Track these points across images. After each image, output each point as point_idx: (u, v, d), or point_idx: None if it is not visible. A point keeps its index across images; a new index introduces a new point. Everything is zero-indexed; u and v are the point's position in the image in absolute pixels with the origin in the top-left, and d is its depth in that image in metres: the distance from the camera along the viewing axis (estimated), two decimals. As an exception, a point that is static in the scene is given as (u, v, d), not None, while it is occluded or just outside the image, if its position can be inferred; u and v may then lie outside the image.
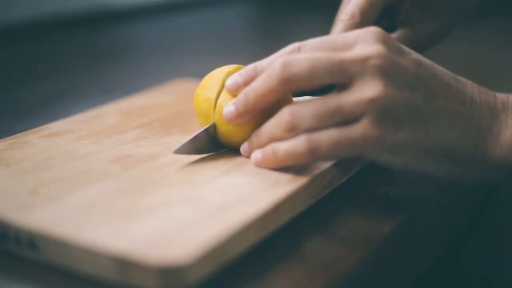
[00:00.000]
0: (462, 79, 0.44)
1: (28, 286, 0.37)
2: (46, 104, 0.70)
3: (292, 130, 0.42)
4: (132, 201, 0.40)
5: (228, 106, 0.45)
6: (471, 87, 0.44)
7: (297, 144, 0.41)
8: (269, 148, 0.43)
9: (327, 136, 0.41)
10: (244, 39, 1.20)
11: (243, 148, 0.46)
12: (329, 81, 0.41)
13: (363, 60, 0.40)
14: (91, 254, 0.35)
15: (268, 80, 0.42)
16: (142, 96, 0.63)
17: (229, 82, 0.45)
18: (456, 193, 0.50)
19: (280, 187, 0.41)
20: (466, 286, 0.61)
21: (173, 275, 0.34)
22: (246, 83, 0.45)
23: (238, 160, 0.46)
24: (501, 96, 0.45)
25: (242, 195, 0.41)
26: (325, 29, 0.56)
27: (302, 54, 0.42)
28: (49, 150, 0.48)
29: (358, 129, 0.40)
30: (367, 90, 0.40)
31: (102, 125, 0.54)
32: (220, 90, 0.47)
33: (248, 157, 0.46)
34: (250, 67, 0.45)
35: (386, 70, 0.40)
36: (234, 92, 0.45)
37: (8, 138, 0.50)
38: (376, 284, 0.42)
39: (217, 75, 0.48)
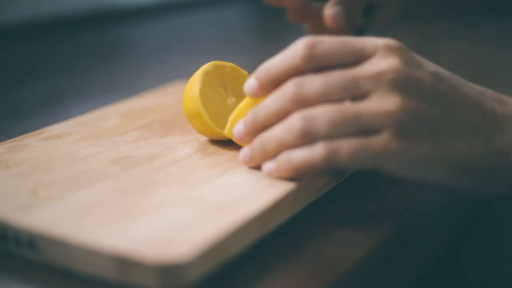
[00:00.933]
0: (481, 88, 0.44)
1: (28, 286, 0.37)
2: (46, 104, 0.70)
3: (306, 137, 0.40)
4: (131, 201, 0.40)
5: (238, 125, 0.44)
6: (490, 96, 0.43)
7: (315, 152, 0.40)
8: (284, 156, 0.41)
9: (347, 145, 0.39)
10: (244, 39, 1.20)
11: (244, 154, 0.44)
12: (344, 98, 0.40)
13: (378, 76, 0.40)
14: (91, 254, 0.35)
15: (279, 101, 0.41)
16: (142, 98, 0.63)
17: (246, 87, 0.43)
18: (456, 193, 0.50)
19: (279, 186, 0.41)
20: (466, 286, 0.61)
21: (173, 273, 0.34)
22: (262, 86, 0.43)
23: (238, 159, 0.46)
24: None
25: (241, 194, 0.41)
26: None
27: (315, 76, 0.40)
28: (49, 152, 0.48)
29: (379, 141, 0.39)
30: (386, 103, 0.39)
31: (102, 126, 0.54)
32: (201, 86, 0.48)
33: (248, 163, 0.44)
34: (263, 69, 0.43)
35: (402, 84, 0.40)
36: (254, 97, 0.44)
37: (8, 141, 0.50)
38: (376, 284, 0.42)
39: (195, 74, 0.49)
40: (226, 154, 0.48)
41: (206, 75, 0.49)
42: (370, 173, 0.49)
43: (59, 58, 0.98)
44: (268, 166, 0.42)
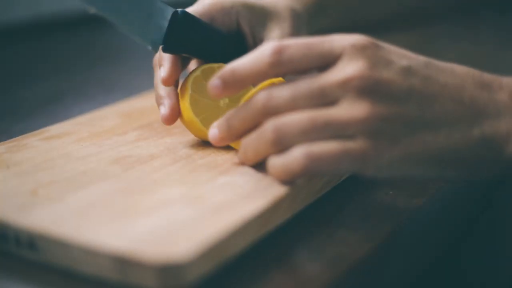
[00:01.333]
0: (462, 71, 0.42)
1: (28, 286, 0.37)
2: (46, 104, 0.70)
3: (279, 146, 0.40)
4: (131, 201, 0.40)
5: (212, 129, 0.44)
6: (471, 80, 0.42)
7: (292, 159, 0.40)
8: (269, 162, 0.41)
9: (326, 149, 0.39)
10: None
11: (239, 156, 0.45)
12: (313, 107, 0.40)
13: (344, 83, 0.39)
14: (91, 254, 0.35)
15: (249, 112, 0.42)
16: (142, 98, 0.63)
17: (209, 86, 0.43)
18: (456, 193, 0.50)
19: (279, 186, 0.41)
20: (466, 286, 0.62)
21: (173, 273, 0.34)
22: (225, 88, 0.42)
23: (237, 159, 0.46)
24: (509, 83, 0.42)
25: (241, 194, 0.41)
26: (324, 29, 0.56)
27: (283, 88, 0.41)
28: (49, 152, 0.48)
29: (354, 147, 0.39)
30: (354, 110, 0.39)
31: (102, 126, 0.54)
32: (191, 94, 0.49)
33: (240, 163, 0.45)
34: (228, 71, 0.42)
35: (370, 90, 0.39)
36: (215, 97, 0.43)
37: (8, 141, 0.50)
38: (376, 284, 0.42)
39: (185, 81, 0.50)
40: (226, 154, 0.48)
41: (195, 81, 0.49)
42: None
43: (59, 58, 0.98)
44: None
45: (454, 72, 0.42)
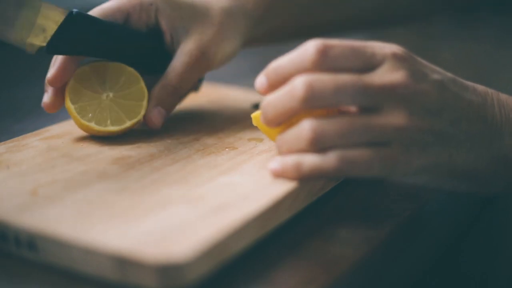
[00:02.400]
0: (482, 90, 0.44)
1: (28, 286, 0.37)
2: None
3: (315, 146, 0.40)
4: (131, 201, 0.40)
5: (260, 78, 0.43)
6: (491, 98, 0.44)
7: (327, 160, 0.40)
8: (293, 161, 0.41)
9: (359, 156, 0.40)
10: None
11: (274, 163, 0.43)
12: (352, 105, 0.41)
13: (388, 89, 0.40)
14: (90, 254, 0.35)
15: (289, 101, 0.41)
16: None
17: (256, 83, 0.43)
18: (455, 194, 0.50)
19: (279, 186, 0.41)
20: (466, 286, 0.62)
21: (173, 273, 0.34)
22: (270, 85, 0.43)
23: (238, 160, 0.46)
24: None
25: (241, 194, 0.41)
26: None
27: (325, 75, 0.40)
28: (49, 152, 0.48)
29: (388, 153, 0.40)
30: (393, 118, 0.40)
31: (102, 125, 0.54)
32: (72, 83, 0.50)
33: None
34: (271, 68, 0.43)
35: (410, 99, 0.40)
36: (263, 94, 0.43)
37: (8, 141, 0.50)
38: (376, 284, 0.42)
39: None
40: (226, 154, 0.48)
41: (80, 72, 0.51)
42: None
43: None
44: (273, 166, 0.43)
45: (476, 91, 0.44)
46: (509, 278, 0.62)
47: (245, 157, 0.47)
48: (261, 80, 0.43)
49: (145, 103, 0.51)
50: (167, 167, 0.45)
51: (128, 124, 0.50)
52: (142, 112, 0.51)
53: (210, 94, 0.63)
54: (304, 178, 0.41)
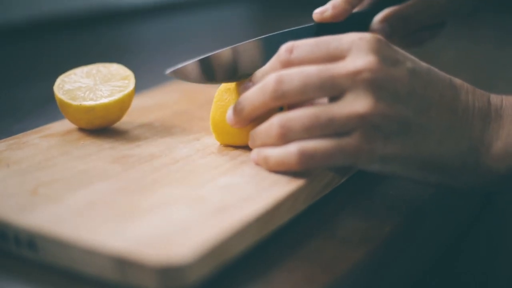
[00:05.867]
0: (458, 82, 0.44)
1: (28, 286, 0.37)
2: (46, 104, 0.70)
3: (282, 140, 0.42)
4: (131, 201, 0.40)
5: (229, 111, 0.46)
6: (465, 92, 0.44)
7: (288, 154, 0.42)
8: (262, 155, 0.44)
9: (320, 147, 0.41)
10: (244, 39, 1.20)
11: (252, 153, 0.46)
12: (321, 96, 0.42)
13: (354, 74, 0.40)
14: (90, 254, 0.35)
15: (261, 95, 0.43)
16: (142, 97, 0.63)
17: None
18: (455, 195, 0.50)
19: (279, 187, 0.41)
20: (466, 286, 0.61)
21: (173, 274, 0.34)
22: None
23: (238, 160, 0.46)
24: (495, 100, 0.44)
25: (241, 195, 0.41)
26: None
27: (293, 69, 0.42)
28: (49, 150, 0.48)
29: (350, 142, 0.40)
30: (358, 104, 0.40)
31: (102, 125, 0.54)
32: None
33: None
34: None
35: (378, 84, 0.40)
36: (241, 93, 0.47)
37: (8, 138, 0.50)
38: (376, 284, 0.42)
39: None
40: (226, 155, 0.48)
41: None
42: (370, 174, 0.49)
43: (59, 58, 0.98)
44: (252, 156, 0.45)
45: (451, 83, 0.44)
46: (509, 278, 0.62)
47: (246, 158, 0.47)
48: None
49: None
50: (168, 167, 0.45)
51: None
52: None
53: (210, 94, 0.63)
54: (273, 170, 0.43)
